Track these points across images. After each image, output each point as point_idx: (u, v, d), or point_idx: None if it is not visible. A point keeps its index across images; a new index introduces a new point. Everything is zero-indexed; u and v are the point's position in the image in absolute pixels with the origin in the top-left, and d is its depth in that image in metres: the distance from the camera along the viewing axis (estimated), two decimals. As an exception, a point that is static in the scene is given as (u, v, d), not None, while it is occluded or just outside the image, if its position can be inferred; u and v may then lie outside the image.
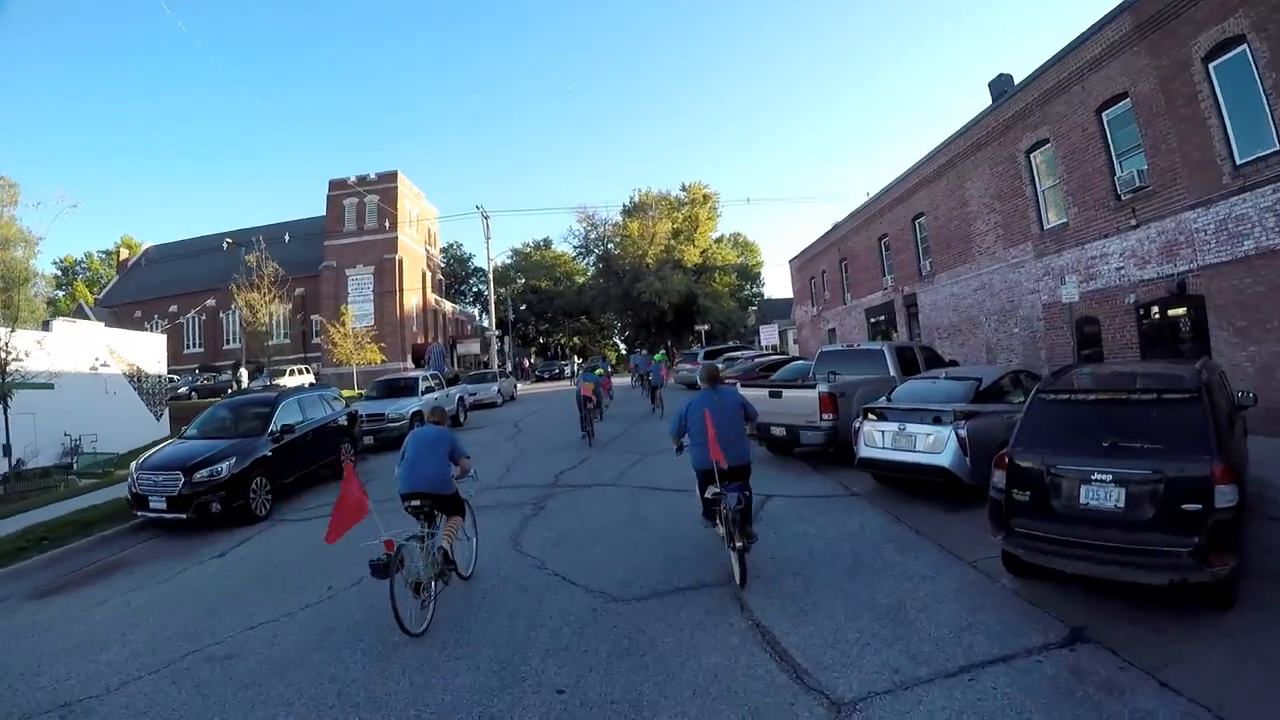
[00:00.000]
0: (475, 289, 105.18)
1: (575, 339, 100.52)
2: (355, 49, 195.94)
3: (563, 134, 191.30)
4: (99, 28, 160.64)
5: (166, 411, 27.40)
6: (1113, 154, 16.36)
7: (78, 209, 65.93)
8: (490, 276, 54.59)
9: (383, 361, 45.81)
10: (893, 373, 14.24)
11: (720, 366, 11.06)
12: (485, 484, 12.56)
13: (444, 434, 8.05)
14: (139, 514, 12.13)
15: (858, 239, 32.95)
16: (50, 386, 20.92)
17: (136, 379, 26.40)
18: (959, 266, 23.99)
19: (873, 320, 31.83)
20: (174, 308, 62.52)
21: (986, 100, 24.90)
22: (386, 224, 59.28)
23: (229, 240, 54.72)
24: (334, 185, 60.83)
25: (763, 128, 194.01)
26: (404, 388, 23.18)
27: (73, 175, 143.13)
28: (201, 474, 11.94)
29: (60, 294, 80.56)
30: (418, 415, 20.80)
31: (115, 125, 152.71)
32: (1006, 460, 6.86)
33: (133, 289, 69.04)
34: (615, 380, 34.08)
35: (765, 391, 14.11)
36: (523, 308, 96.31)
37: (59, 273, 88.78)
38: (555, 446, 18.42)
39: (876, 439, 10.60)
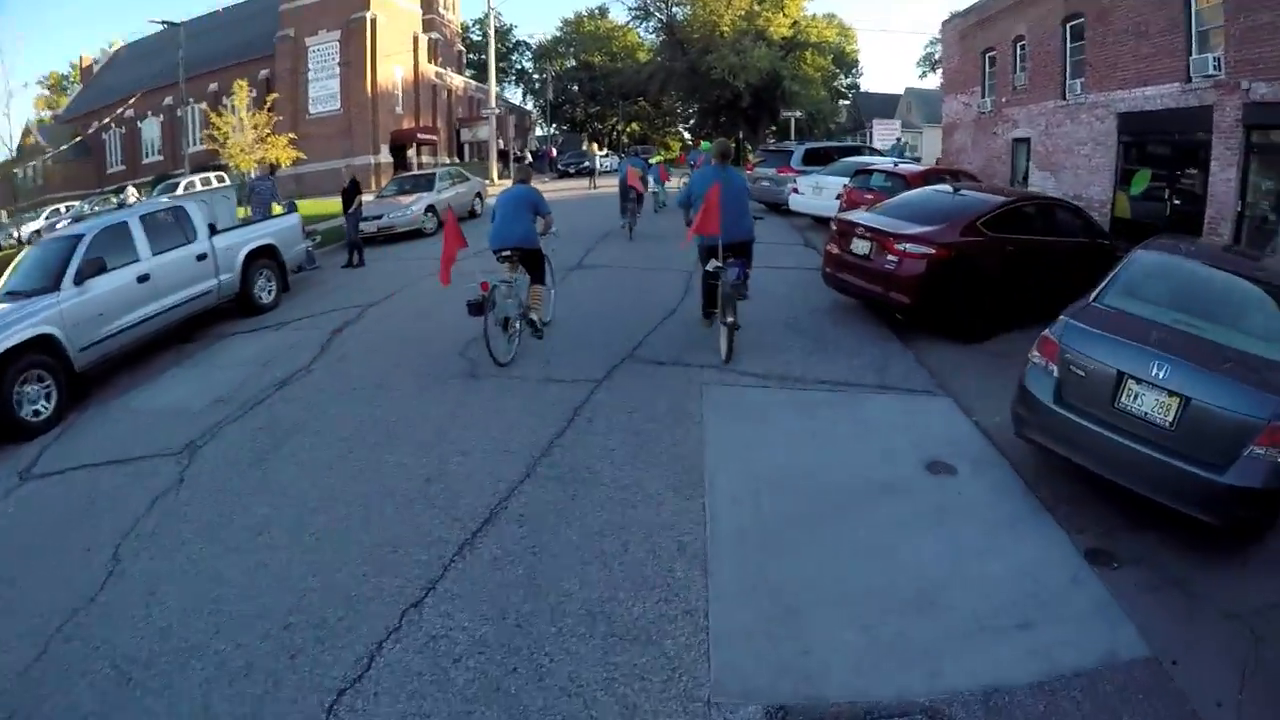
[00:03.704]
0: (518, 66, 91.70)
1: (633, 125, 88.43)
2: None
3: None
4: None
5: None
6: None
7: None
8: (490, 24, 39.39)
9: (296, 161, 32.05)
10: None
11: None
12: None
13: (529, 193, 8.93)
14: None
15: (1118, -30, 17.42)
16: None
17: None
18: None
19: (1129, 138, 17.09)
20: (130, 112, 50.34)
21: None
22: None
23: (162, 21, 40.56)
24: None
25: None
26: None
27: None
28: None
29: (47, 114, 69.00)
30: None
31: None
32: None
33: (95, 97, 57.45)
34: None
35: None
36: (573, 87, 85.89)
37: (46, 91, 77.36)
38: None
39: None
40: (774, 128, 65.07)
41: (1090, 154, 18.47)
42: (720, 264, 8.20)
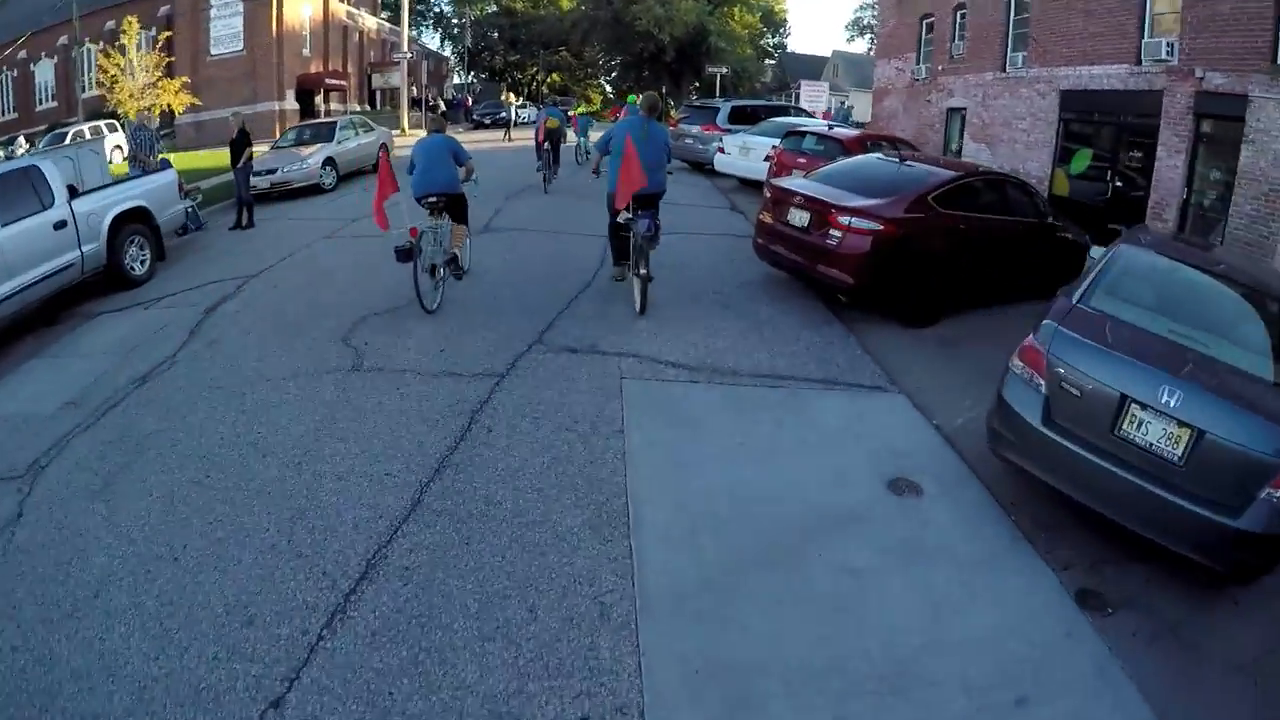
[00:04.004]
0: (436, 9, 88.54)
1: (554, 76, 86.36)
2: None
3: None
4: None
5: None
6: None
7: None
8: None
9: (188, 107, 29.17)
10: None
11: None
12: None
13: (447, 141, 9.06)
14: None
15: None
16: None
17: None
18: None
19: (1071, 116, 16.55)
20: (23, 54, 45.47)
21: None
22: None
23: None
24: None
25: None
26: None
27: None
28: None
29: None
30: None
31: None
32: None
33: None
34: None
35: None
36: (493, 34, 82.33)
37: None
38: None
39: None
40: (698, 84, 63.58)
41: (1029, 129, 17.86)
42: (630, 215, 8.20)
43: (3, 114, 48.27)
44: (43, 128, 38.60)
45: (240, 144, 14.16)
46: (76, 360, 7.92)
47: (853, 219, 8.14)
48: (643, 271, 8.18)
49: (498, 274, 10.01)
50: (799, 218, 8.76)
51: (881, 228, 8.02)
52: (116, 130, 29.62)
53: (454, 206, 8.93)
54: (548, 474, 5.26)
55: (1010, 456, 5.03)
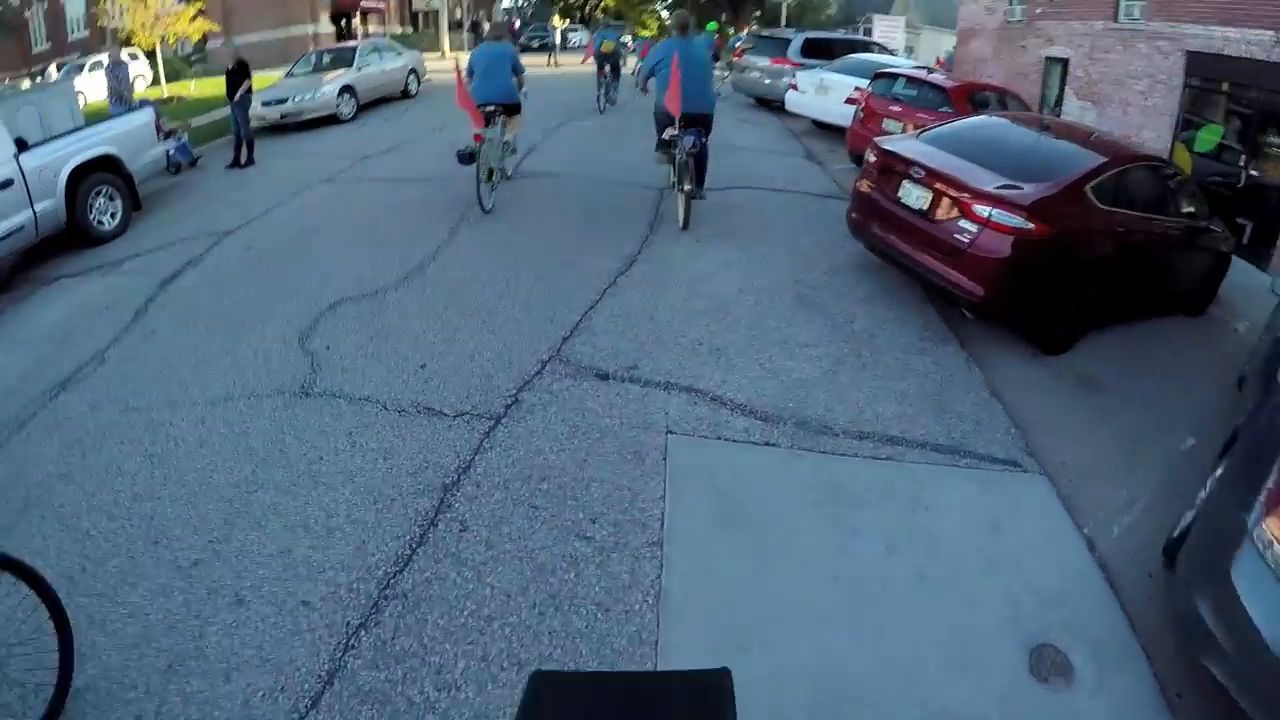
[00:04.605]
0: None
1: (609, 0, 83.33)
2: None
3: None
4: None
5: None
6: None
7: None
8: None
9: (205, 37, 26.89)
10: None
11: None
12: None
13: (505, 50, 9.68)
14: None
15: None
16: None
17: None
18: None
19: (1199, 83, 14.08)
20: None
21: None
22: None
23: None
24: None
25: None
26: None
27: None
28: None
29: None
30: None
31: None
32: None
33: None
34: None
35: None
36: None
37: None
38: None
39: None
40: (759, 13, 60.33)
41: (1146, 91, 15.40)
42: (676, 132, 8.30)
43: (36, 45, 46.91)
44: (74, 56, 36.98)
45: (238, 76, 12.70)
46: (5, 349, 6.49)
47: (994, 210, 6.11)
48: (688, 188, 8.36)
49: (520, 242, 8.27)
50: (916, 196, 6.79)
51: (1032, 226, 5.97)
52: (138, 59, 28.06)
53: (510, 112, 9.63)
54: (539, 630, 3.39)
55: (1219, 675, 3.06)
